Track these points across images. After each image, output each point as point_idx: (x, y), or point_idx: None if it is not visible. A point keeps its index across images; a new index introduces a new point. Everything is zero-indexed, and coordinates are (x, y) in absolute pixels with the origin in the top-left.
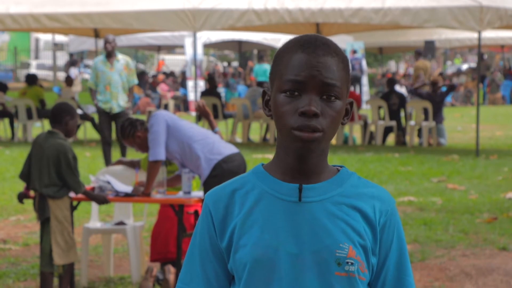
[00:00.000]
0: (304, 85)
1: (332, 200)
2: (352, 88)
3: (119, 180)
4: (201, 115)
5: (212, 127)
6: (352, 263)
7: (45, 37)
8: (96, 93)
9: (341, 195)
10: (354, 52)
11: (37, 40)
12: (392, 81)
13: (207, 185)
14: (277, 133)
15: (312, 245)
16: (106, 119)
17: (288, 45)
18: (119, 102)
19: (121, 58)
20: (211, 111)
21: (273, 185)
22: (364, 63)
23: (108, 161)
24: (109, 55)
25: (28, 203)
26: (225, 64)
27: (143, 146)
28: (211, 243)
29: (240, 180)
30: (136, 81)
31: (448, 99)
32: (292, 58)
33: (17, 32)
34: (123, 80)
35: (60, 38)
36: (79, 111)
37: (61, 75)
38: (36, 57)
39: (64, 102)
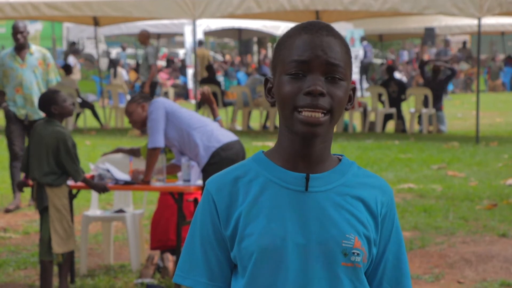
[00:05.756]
0: (308, 65)
1: (337, 190)
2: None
3: (119, 168)
4: (205, 102)
5: (214, 115)
6: (358, 254)
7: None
8: (3, 95)
9: (344, 185)
10: (355, 40)
11: (68, 29)
12: (391, 68)
13: (205, 173)
14: (280, 119)
15: (319, 236)
16: (18, 127)
17: (290, 31)
18: (36, 106)
19: (36, 51)
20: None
21: (277, 174)
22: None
23: (15, 180)
24: (20, 47)
25: (28, 192)
26: (222, 53)
27: (138, 122)
28: (214, 231)
29: (241, 168)
30: (58, 78)
31: (449, 87)
32: (296, 41)
33: (49, 21)
34: (38, 79)
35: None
36: (78, 100)
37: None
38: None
39: (44, 92)
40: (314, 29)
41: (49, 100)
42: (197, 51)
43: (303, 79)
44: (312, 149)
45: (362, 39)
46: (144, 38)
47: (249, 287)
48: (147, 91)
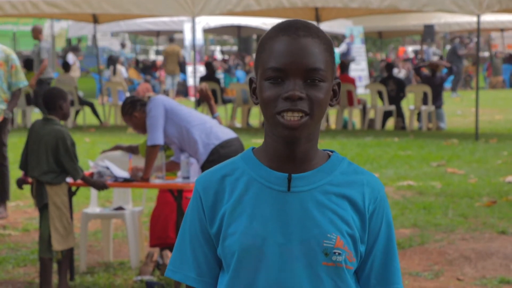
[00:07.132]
0: (286, 72)
1: (321, 189)
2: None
3: (118, 165)
4: (203, 99)
5: (212, 112)
6: (339, 253)
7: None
8: None
9: (330, 184)
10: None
11: (69, 27)
12: (390, 66)
13: (204, 170)
14: (264, 120)
15: (300, 235)
16: None
17: (270, 32)
18: None
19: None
20: (212, 96)
21: (261, 173)
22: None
23: (5, 192)
24: None
25: (28, 189)
26: (221, 48)
27: (139, 127)
28: (201, 228)
29: (230, 165)
30: (24, 82)
31: (448, 84)
32: (274, 45)
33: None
34: None
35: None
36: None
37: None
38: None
39: (54, 87)
40: (292, 30)
41: (59, 95)
42: (167, 47)
43: (282, 84)
44: (296, 150)
45: (343, 37)
46: (37, 33)
47: (232, 284)
48: (33, 85)
